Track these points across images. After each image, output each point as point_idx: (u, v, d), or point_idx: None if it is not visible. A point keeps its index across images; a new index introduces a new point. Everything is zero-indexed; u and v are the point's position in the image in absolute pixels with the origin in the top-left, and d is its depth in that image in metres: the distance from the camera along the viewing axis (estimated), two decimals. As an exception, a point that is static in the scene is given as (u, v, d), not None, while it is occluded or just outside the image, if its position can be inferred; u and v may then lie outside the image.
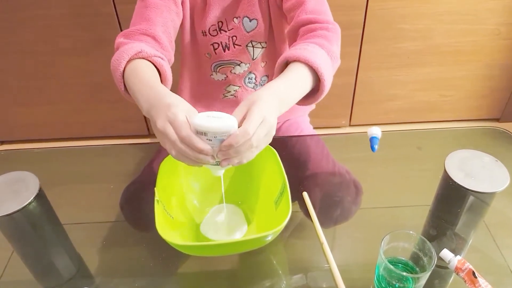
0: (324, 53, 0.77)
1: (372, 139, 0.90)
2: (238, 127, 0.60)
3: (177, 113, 0.59)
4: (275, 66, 0.79)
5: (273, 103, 0.65)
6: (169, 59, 0.85)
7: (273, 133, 0.64)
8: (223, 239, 0.76)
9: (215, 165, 0.63)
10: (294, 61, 0.74)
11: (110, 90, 1.84)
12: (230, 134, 0.59)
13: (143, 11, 0.84)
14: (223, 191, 0.77)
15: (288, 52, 0.76)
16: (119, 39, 0.82)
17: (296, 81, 0.73)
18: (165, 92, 0.66)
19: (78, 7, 1.61)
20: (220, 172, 0.70)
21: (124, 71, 0.76)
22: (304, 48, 0.75)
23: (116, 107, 1.90)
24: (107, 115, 1.94)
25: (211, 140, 0.60)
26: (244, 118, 0.61)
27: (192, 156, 0.60)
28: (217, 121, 0.59)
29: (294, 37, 0.86)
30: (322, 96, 0.78)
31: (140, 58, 0.77)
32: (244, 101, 0.64)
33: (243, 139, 0.59)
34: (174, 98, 0.63)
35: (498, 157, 0.84)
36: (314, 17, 0.83)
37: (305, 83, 0.74)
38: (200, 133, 0.59)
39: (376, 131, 0.91)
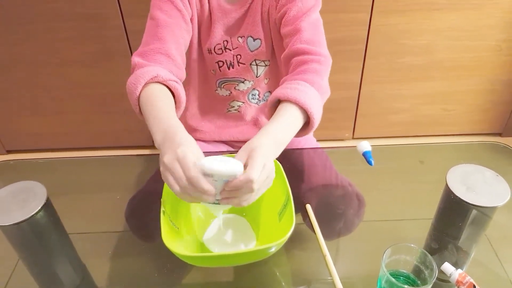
0: (314, 91, 0.79)
1: (365, 154, 0.92)
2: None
3: (187, 153, 0.62)
4: (267, 103, 0.82)
5: (271, 148, 0.69)
6: (182, 77, 0.88)
7: (273, 176, 0.67)
8: (227, 250, 0.76)
9: (213, 203, 0.67)
10: (285, 101, 0.77)
11: (117, 101, 1.86)
12: (235, 177, 0.62)
13: (155, 30, 0.87)
14: (221, 223, 0.80)
15: (280, 91, 0.79)
16: (136, 59, 0.84)
17: (289, 122, 0.76)
18: (177, 129, 0.69)
19: (86, 20, 1.64)
20: (219, 212, 0.74)
21: (140, 94, 0.78)
22: (295, 88, 0.78)
23: (122, 118, 1.92)
24: (113, 126, 1.96)
25: (216, 181, 0.63)
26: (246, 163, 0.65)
27: (194, 195, 0.63)
28: (225, 165, 0.62)
29: (287, 64, 0.89)
30: (312, 130, 0.81)
31: (155, 82, 0.79)
32: (245, 146, 0.68)
33: (246, 184, 0.62)
34: (186, 137, 0.66)
35: (499, 172, 0.84)
36: (308, 48, 0.85)
37: (297, 123, 0.78)
38: (207, 174, 0.62)
39: (366, 145, 0.94)
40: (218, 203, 0.67)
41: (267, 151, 0.67)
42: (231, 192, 0.64)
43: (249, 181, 0.62)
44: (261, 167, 0.64)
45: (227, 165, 0.62)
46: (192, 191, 0.62)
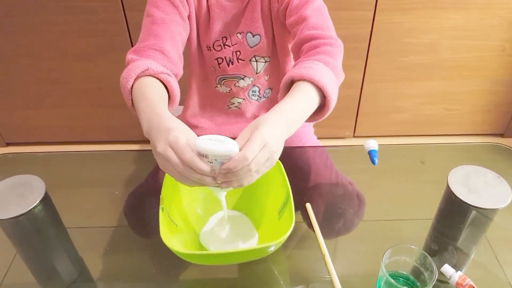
0: (329, 70, 0.77)
1: (370, 153, 0.91)
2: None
3: (178, 137, 0.60)
4: (280, 85, 0.79)
5: (279, 127, 0.66)
6: (177, 73, 0.86)
7: (276, 157, 0.64)
8: (225, 249, 0.76)
9: (216, 186, 0.65)
10: (299, 80, 0.74)
11: (116, 96, 1.86)
12: (230, 157, 0.60)
13: (151, 27, 0.86)
14: (225, 211, 0.77)
15: (293, 70, 0.76)
16: (129, 56, 0.83)
17: (303, 100, 0.73)
18: (166, 116, 0.66)
19: (87, 13, 1.63)
20: (222, 194, 0.72)
21: (132, 88, 0.77)
22: (309, 67, 0.75)
23: (122, 112, 1.91)
24: (113, 120, 1.95)
25: (212, 163, 0.61)
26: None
27: (194, 178, 0.61)
28: (218, 144, 0.60)
29: (298, 53, 0.87)
30: (328, 113, 0.78)
31: (147, 75, 0.78)
32: (249, 125, 0.65)
33: (241, 164, 0.59)
34: (175, 122, 0.64)
35: (501, 173, 0.84)
36: (317, 33, 0.83)
37: (312, 102, 0.74)
38: (201, 155, 0.60)
39: (373, 144, 0.92)
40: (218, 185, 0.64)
41: (271, 129, 0.63)
42: (227, 174, 0.61)
43: (244, 159, 0.59)
44: (259, 146, 0.61)
45: (221, 145, 0.60)
46: (190, 174, 0.60)
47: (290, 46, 0.88)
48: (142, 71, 0.77)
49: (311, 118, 0.77)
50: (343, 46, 0.84)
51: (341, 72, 0.81)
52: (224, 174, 0.61)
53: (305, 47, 0.84)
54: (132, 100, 0.78)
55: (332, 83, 0.76)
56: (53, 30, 1.68)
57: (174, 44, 0.86)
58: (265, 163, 0.63)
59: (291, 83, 0.77)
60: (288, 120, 0.68)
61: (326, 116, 0.78)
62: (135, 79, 0.77)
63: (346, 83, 0.85)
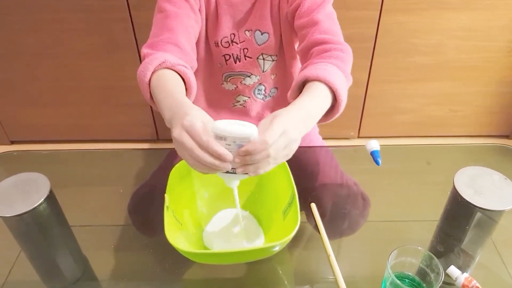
0: (341, 74, 0.77)
1: (373, 153, 0.90)
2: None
3: (193, 121, 0.60)
4: (293, 83, 0.79)
5: (298, 119, 0.66)
6: (193, 66, 0.87)
7: (294, 148, 0.64)
8: (230, 247, 0.76)
9: (231, 173, 0.64)
10: (314, 80, 0.75)
11: (121, 94, 1.86)
12: (249, 141, 0.59)
13: (164, 21, 0.86)
14: (237, 202, 0.75)
15: (308, 71, 0.76)
16: (144, 50, 0.83)
17: (319, 99, 0.74)
18: (185, 102, 0.67)
19: (93, 12, 1.64)
20: (235, 183, 0.70)
21: (150, 81, 0.77)
22: (324, 69, 0.76)
23: (127, 111, 1.92)
24: (118, 119, 1.96)
25: (230, 145, 0.60)
26: None
27: (209, 163, 0.60)
28: (238, 126, 0.60)
29: (306, 55, 0.87)
30: (337, 115, 0.78)
31: (164, 68, 0.78)
32: (268, 115, 0.65)
33: (260, 147, 0.59)
34: (192, 108, 0.64)
35: (507, 175, 0.84)
36: (328, 38, 0.83)
37: (326, 103, 0.75)
38: (219, 137, 0.60)
39: (374, 144, 0.92)
40: (234, 172, 0.63)
41: (291, 118, 0.64)
42: (245, 158, 0.60)
43: (264, 144, 0.59)
44: (279, 132, 0.61)
45: (240, 127, 0.59)
46: (206, 158, 0.59)
47: (296, 47, 0.88)
48: (159, 64, 0.77)
49: (320, 119, 0.77)
50: (352, 52, 0.85)
51: (350, 77, 0.82)
52: (241, 158, 0.60)
53: (315, 50, 0.84)
54: (150, 93, 0.78)
55: (343, 87, 0.76)
56: (58, 28, 1.68)
57: (188, 37, 0.87)
58: (284, 151, 0.62)
59: (303, 83, 0.77)
60: (306, 115, 0.68)
61: (334, 118, 0.79)
62: (153, 72, 0.77)
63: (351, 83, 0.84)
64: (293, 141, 0.63)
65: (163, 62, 0.77)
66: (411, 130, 2.01)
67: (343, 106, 0.77)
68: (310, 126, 0.70)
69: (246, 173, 0.63)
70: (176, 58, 0.80)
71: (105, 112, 1.94)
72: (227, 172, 0.63)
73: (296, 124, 0.64)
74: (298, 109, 0.68)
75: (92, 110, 1.93)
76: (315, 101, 0.73)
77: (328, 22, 0.86)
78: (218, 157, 0.59)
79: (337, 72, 0.77)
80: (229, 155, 0.59)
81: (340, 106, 0.76)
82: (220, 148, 0.59)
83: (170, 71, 0.78)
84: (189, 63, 0.84)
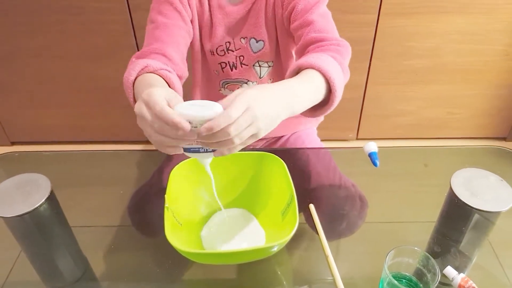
0: (336, 64, 0.76)
1: (371, 155, 0.91)
2: None
3: (152, 93, 0.57)
4: (287, 73, 0.78)
5: (273, 96, 0.62)
6: (181, 75, 0.86)
7: (260, 126, 0.60)
8: (229, 248, 0.77)
9: (199, 152, 0.62)
10: (307, 68, 0.74)
11: (121, 96, 1.85)
12: None
13: (154, 32, 0.87)
14: (213, 182, 0.73)
15: (301, 60, 0.75)
16: (132, 60, 0.84)
17: (308, 83, 0.71)
18: (155, 85, 0.65)
19: (93, 14, 1.64)
20: (207, 161, 0.68)
21: (133, 86, 0.78)
22: (318, 57, 0.75)
23: (127, 112, 1.92)
24: (118, 120, 1.96)
25: (196, 127, 0.57)
26: None
27: (171, 134, 0.56)
28: (201, 108, 0.57)
29: (302, 55, 0.86)
30: (332, 107, 0.76)
31: (147, 72, 0.79)
32: (237, 89, 0.62)
33: (220, 124, 0.55)
34: (158, 87, 0.62)
35: (504, 176, 0.84)
36: (323, 36, 0.83)
37: (317, 89, 0.73)
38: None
39: (372, 146, 0.92)
40: (204, 151, 0.61)
41: (259, 94, 0.59)
42: (208, 136, 0.56)
43: (226, 119, 0.55)
44: (242, 108, 0.56)
45: (203, 109, 0.56)
46: (166, 131, 0.56)
47: (294, 50, 0.88)
48: (142, 69, 0.78)
49: (314, 112, 0.77)
50: (350, 47, 0.84)
51: (348, 70, 0.81)
52: (203, 136, 0.57)
53: (310, 48, 0.84)
54: (134, 97, 0.78)
55: (338, 76, 0.75)
56: (59, 30, 1.69)
57: (177, 47, 0.87)
58: (248, 129, 0.58)
59: (297, 72, 0.76)
60: (287, 96, 0.65)
61: (330, 110, 0.77)
62: (136, 77, 0.78)
63: (349, 86, 0.85)
64: (257, 118, 0.58)
65: (146, 66, 0.78)
66: (409, 132, 2.02)
67: (338, 95, 0.74)
68: (295, 110, 0.67)
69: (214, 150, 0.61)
70: (159, 63, 0.80)
71: (105, 113, 1.94)
72: (195, 151, 0.62)
73: (265, 100, 0.60)
74: (276, 86, 0.64)
75: (92, 111, 1.94)
76: (303, 83, 0.70)
77: (323, 21, 0.86)
78: (174, 125, 0.55)
79: (331, 61, 0.75)
80: (186, 124, 0.55)
81: (334, 95, 0.74)
82: (176, 116, 0.55)
83: (152, 74, 0.78)
84: (177, 71, 0.84)
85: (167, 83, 0.79)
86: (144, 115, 0.57)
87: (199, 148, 0.62)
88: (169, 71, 0.80)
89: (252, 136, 0.60)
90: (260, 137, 0.62)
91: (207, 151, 0.62)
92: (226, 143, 0.58)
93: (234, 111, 0.56)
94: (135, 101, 0.78)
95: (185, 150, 0.63)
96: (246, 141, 0.60)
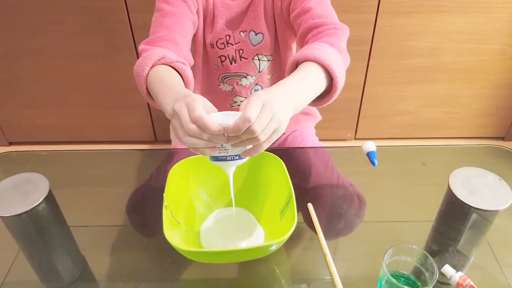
0: (334, 50, 0.76)
1: (369, 154, 0.91)
2: None
3: (196, 99, 0.59)
4: (286, 69, 0.79)
5: (280, 95, 0.64)
6: (189, 63, 0.86)
7: (281, 120, 0.61)
8: (227, 246, 0.77)
9: (224, 161, 0.65)
10: (304, 61, 0.74)
11: (120, 96, 1.87)
12: None
13: (162, 19, 0.87)
14: (232, 191, 0.75)
15: (298, 53, 0.76)
16: (142, 46, 0.84)
17: (308, 77, 0.72)
18: (188, 91, 0.67)
19: (92, 14, 1.64)
20: (231, 169, 0.71)
21: (147, 76, 0.77)
22: (313, 47, 0.75)
23: (125, 113, 1.92)
24: (116, 121, 1.96)
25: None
26: None
27: (203, 137, 0.59)
28: (229, 118, 0.60)
29: (302, 43, 0.86)
30: (336, 94, 0.76)
31: (162, 64, 0.78)
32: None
33: (244, 125, 0.57)
34: (197, 94, 0.64)
35: (502, 175, 0.84)
36: (321, 21, 0.83)
37: (318, 80, 0.73)
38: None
39: (370, 145, 0.92)
40: (231, 159, 0.65)
41: (268, 93, 0.61)
42: (233, 138, 0.60)
43: (246, 121, 0.57)
44: (259, 106, 0.58)
45: (232, 118, 0.59)
46: (198, 133, 0.58)
47: (294, 43, 0.88)
48: (159, 59, 0.77)
49: (318, 101, 0.77)
50: (348, 30, 0.84)
51: (347, 53, 0.81)
52: (230, 140, 0.60)
53: (310, 35, 0.83)
54: (147, 88, 0.78)
55: (338, 62, 0.75)
56: (57, 30, 1.69)
57: (184, 36, 0.87)
58: (270, 125, 0.60)
59: (296, 66, 0.76)
60: (291, 94, 0.66)
61: (334, 97, 0.77)
62: (151, 68, 0.77)
63: (347, 85, 0.85)
64: (276, 112, 0.60)
65: (162, 57, 0.78)
66: (407, 132, 2.02)
67: (340, 82, 0.75)
68: (299, 104, 0.68)
69: (240, 158, 0.64)
70: (175, 55, 0.80)
71: (103, 113, 1.94)
72: (222, 159, 0.65)
73: (276, 97, 0.62)
74: (281, 86, 0.66)
75: (90, 112, 1.94)
76: (302, 79, 0.71)
77: (320, 7, 0.85)
78: (208, 130, 0.58)
79: (329, 49, 0.75)
80: (220, 130, 0.58)
81: (336, 82, 0.74)
82: (212, 124, 0.57)
83: (167, 67, 0.78)
84: (186, 60, 0.84)
85: (181, 76, 0.80)
86: (182, 116, 0.59)
87: (226, 156, 0.65)
88: (183, 64, 0.81)
89: (275, 131, 0.62)
90: (282, 132, 0.63)
91: (233, 159, 0.66)
92: (252, 141, 0.60)
93: (251, 111, 0.58)
94: (147, 92, 0.78)
95: (213, 158, 0.66)
96: (271, 137, 0.62)
